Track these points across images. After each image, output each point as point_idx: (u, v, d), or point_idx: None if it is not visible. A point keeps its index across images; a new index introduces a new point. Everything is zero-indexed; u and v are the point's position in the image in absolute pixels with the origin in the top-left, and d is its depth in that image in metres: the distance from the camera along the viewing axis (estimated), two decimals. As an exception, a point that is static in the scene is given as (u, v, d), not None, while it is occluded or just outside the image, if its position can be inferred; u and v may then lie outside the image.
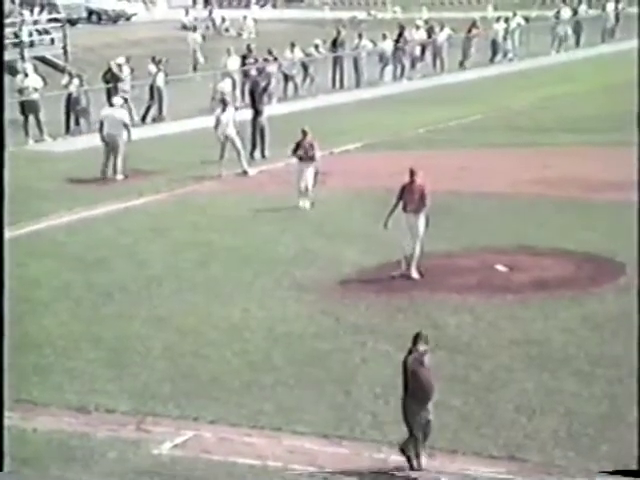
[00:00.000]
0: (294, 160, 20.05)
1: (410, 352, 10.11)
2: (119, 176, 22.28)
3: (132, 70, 29.29)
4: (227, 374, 12.50)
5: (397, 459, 10.32)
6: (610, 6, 44.02)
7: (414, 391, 9.99)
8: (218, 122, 22.54)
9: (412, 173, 15.64)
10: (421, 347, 10.06)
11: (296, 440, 10.86)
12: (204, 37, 40.71)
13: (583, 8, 43.57)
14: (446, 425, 10.92)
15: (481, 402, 11.49)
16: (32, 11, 31.00)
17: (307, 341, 13.41)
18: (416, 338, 10.13)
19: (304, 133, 19.68)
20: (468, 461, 10.29)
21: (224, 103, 23.21)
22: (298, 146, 19.58)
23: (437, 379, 11.98)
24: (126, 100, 25.64)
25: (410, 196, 15.51)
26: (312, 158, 19.51)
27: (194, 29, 40.61)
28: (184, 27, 47.15)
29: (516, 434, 10.65)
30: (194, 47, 37.59)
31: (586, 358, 12.43)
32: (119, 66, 29.11)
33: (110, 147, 22.37)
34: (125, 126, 22.64)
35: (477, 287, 15.10)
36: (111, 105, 23.41)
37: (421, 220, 15.54)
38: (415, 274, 15.49)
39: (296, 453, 10.61)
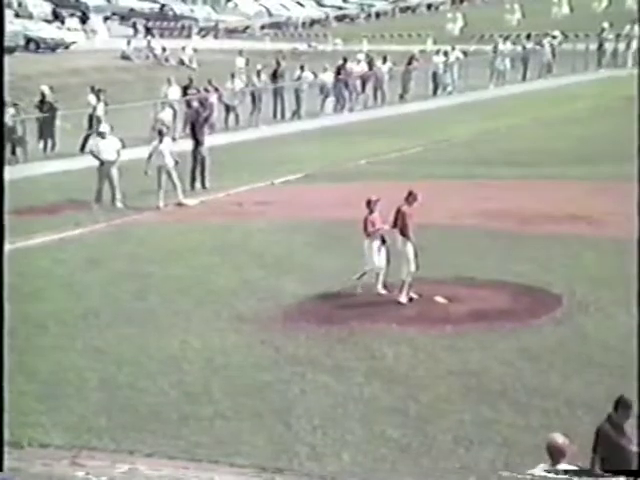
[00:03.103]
0: (234, 190, 19.97)
1: (609, 417, 8.92)
2: (119, 203, 22.39)
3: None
4: (164, 406, 12.40)
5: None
6: (547, 41, 44.63)
7: (611, 463, 8.72)
8: (153, 152, 22.57)
9: (409, 195, 15.65)
10: (623, 414, 8.80)
11: (234, 474, 10.79)
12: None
13: (530, 45, 44.05)
14: (384, 456, 10.96)
15: (419, 433, 11.52)
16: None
17: (246, 372, 13.36)
18: (617, 404, 8.90)
19: (369, 204, 16.22)
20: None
21: (160, 133, 23.28)
22: (366, 221, 16.13)
23: (376, 410, 12.02)
24: None
25: (401, 219, 15.60)
26: (383, 239, 16.12)
27: (240, 53, 40.37)
28: (124, 57, 47.15)
29: (453, 465, 10.70)
30: (238, 71, 36.99)
31: (523, 389, 12.51)
32: (50, 90, 29.17)
33: (105, 174, 22.45)
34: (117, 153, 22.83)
35: (416, 318, 15.13)
36: (100, 135, 23.25)
37: (408, 245, 15.58)
38: (404, 298, 15.55)
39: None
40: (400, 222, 15.68)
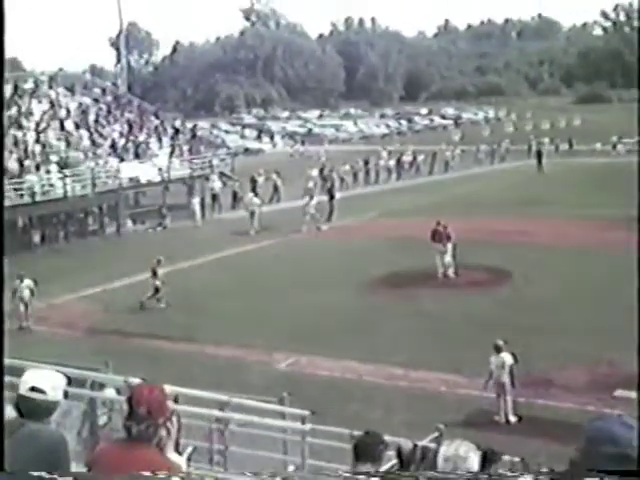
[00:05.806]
0: (346, 221, 19.63)
1: None
2: (252, 232, 21.62)
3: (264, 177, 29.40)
4: (306, 327, 12.42)
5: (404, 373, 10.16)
6: (503, 144, 43.66)
7: None
8: (306, 204, 22.62)
9: (438, 223, 15.40)
10: None
11: (347, 362, 10.79)
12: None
13: (495, 146, 42.83)
14: (423, 351, 10.83)
15: (441, 340, 11.38)
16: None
17: (348, 312, 13.25)
18: None
19: (438, 223, 15.36)
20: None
21: (309, 194, 23.33)
22: (434, 233, 15.31)
23: (418, 331, 11.74)
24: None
25: (438, 235, 15.32)
26: (441, 240, 15.14)
27: (385, 150, 37.71)
28: (290, 155, 47.80)
29: (461, 351, 10.41)
30: (385, 162, 35.85)
31: (493, 319, 12.17)
32: (259, 175, 29.61)
33: (252, 215, 22.25)
34: (259, 205, 22.55)
35: (441, 284, 14.91)
36: (255, 194, 23.34)
37: (448, 248, 15.19)
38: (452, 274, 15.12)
39: (346, 369, 10.53)
40: (437, 237, 15.35)
